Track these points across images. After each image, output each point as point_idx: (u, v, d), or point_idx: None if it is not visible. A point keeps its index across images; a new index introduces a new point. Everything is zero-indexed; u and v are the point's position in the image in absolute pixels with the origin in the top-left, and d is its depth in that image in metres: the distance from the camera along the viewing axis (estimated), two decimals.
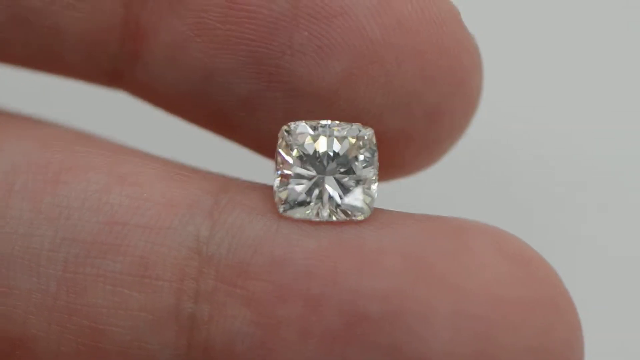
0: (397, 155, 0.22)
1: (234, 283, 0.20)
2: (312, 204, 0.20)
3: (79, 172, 0.21)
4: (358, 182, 0.21)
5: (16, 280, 0.21)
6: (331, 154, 0.21)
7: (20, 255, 0.21)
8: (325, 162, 0.21)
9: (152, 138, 0.27)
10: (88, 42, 0.22)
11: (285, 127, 0.21)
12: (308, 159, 0.21)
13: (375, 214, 0.21)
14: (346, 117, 0.21)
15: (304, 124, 0.21)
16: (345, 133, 0.21)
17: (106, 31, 0.22)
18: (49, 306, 0.21)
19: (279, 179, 0.21)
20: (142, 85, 0.22)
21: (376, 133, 0.21)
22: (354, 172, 0.21)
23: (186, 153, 0.25)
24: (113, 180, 0.21)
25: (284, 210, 0.21)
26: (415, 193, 0.30)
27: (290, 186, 0.21)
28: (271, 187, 0.21)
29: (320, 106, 0.21)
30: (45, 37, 0.22)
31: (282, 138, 0.21)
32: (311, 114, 0.21)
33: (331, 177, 0.21)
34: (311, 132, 0.21)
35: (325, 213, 0.20)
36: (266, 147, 0.22)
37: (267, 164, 0.23)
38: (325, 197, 0.20)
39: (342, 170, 0.21)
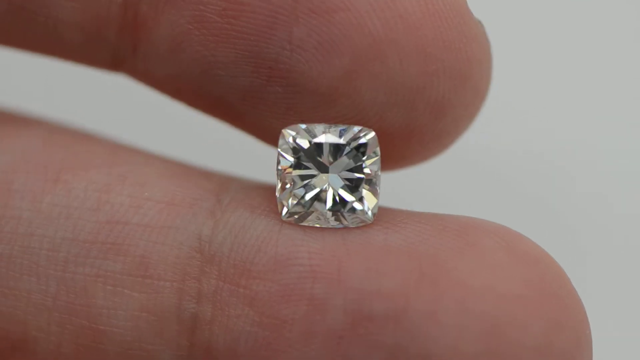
0: (401, 148, 0.21)
1: (237, 282, 0.20)
2: (315, 213, 0.20)
3: (79, 171, 0.21)
4: (361, 184, 0.20)
5: (15, 281, 0.21)
6: (333, 156, 0.20)
7: (19, 255, 0.21)
8: (327, 165, 0.20)
9: (152, 135, 0.26)
10: (86, 32, 0.22)
11: (286, 129, 0.20)
12: (310, 161, 0.20)
13: (381, 213, 0.21)
14: (348, 113, 0.21)
15: (305, 125, 0.20)
16: (347, 135, 0.20)
17: (104, 21, 0.21)
18: (48, 307, 0.21)
19: (281, 182, 0.20)
20: (143, 72, 0.22)
21: (379, 128, 0.21)
22: (356, 175, 0.20)
23: (186, 150, 0.25)
24: (114, 180, 0.21)
25: (288, 217, 0.20)
26: (421, 190, 0.30)
27: (293, 191, 0.20)
28: (273, 186, 0.21)
29: (322, 102, 0.21)
30: (43, 26, 0.22)
31: (283, 140, 0.20)
32: (313, 111, 0.21)
33: (334, 179, 0.20)
34: (313, 134, 0.20)
35: (331, 221, 0.20)
36: (270, 137, 0.22)
37: (268, 159, 0.22)
38: (330, 200, 0.20)
39: (344, 173, 0.20)
